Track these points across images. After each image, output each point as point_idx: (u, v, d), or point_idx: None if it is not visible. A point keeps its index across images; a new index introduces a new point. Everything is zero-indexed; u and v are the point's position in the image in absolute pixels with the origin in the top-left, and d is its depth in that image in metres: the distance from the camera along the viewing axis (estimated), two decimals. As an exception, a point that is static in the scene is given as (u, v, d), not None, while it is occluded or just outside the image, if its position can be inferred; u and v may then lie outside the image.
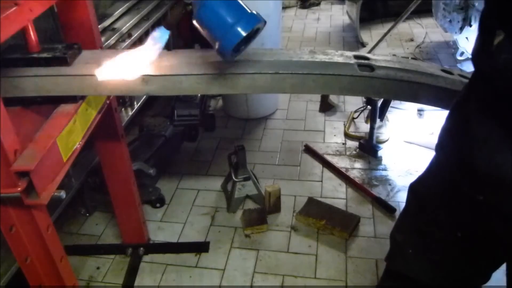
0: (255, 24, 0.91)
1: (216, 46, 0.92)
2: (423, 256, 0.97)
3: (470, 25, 2.75)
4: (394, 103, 2.63)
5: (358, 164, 2.35)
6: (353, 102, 2.81)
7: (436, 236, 0.94)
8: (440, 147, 0.90)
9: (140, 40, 2.19)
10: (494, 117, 0.74)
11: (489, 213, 0.81)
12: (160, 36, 1.01)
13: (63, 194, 1.01)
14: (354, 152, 2.44)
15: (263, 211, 2.02)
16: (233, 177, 2.03)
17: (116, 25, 2.01)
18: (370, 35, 3.91)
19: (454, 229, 0.90)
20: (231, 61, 1.01)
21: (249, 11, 0.91)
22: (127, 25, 2.04)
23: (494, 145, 0.74)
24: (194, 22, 0.92)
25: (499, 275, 0.95)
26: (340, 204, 2.06)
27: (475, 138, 0.77)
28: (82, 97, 1.16)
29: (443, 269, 0.95)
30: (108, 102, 1.37)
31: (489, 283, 0.98)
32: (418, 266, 0.97)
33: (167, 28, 1.00)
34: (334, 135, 2.58)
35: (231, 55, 0.94)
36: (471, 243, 0.89)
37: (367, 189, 2.12)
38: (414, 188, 1.00)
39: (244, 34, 0.89)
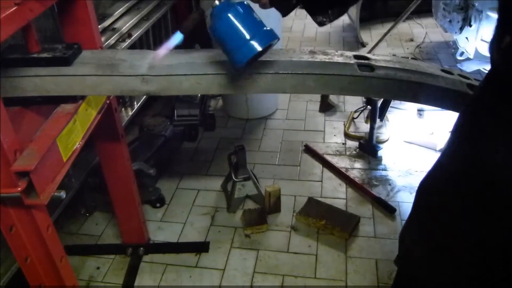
0: (270, 40, 0.94)
1: (229, 58, 0.94)
2: (430, 261, 0.92)
3: (470, 25, 2.75)
4: (394, 103, 2.63)
5: (358, 164, 2.35)
6: (353, 102, 2.81)
7: (444, 241, 0.89)
8: (452, 145, 0.87)
9: (140, 40, 2.19)
10: (506, 116, 0.73)
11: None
12: (174, 39, 1.03)
13: (63, 194, 1.01)
14: (354, 152, 2.44)
15: (263, 211, 2.02)
16: (233, 177, 2.03)
17: (116, 25, 2.01)
18: (370, 35, 3.91)
19: (464, 235, 0.84)
20: (242, 72, 1.03)
21: (264, 27, 0.95)
22: (127, 25, 2.04)
23: (504, 143, 0.73)
24: (210, 31, 0.94)
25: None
26: (340, 204, 2.07)
27: (487, 136, 0.76)
28: (82, 97, 1.16)
29: (453, 278, 0.89)
30: (108, 102, 1.37)
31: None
32: (426, 271, 0.92)
33: (183, 32, 1.02)
34: (334, 135, 2.58)
35: (243, 68, 0.96)
36: (485, 252, 0.82)
37: (367, 189, 2.12)
38: (421, 188, 0.96)
39: (259, 49, 0.92)
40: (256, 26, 0.93)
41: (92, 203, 2.07)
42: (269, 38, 0.94)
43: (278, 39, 0.97)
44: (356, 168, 2.31)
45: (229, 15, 0.92)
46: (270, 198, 2.00)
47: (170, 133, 2.34)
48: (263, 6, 1.00)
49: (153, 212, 2.09)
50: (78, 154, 1.13)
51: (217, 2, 0.94)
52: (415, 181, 2.18)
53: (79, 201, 2.03)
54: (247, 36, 0.92)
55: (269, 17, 2.69)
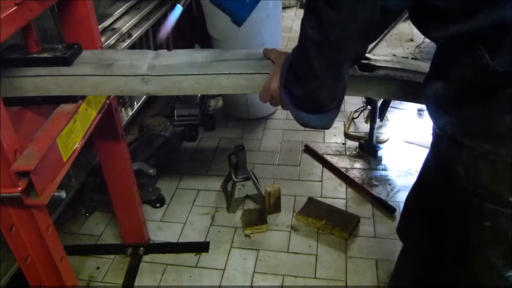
0: None
1: (234, 14, 0.97)
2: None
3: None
4: (394, 103, 2.63)
5: (358, 164, 2.35)
6: (353, 102, 2.80)
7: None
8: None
9: (140, 40, 2.20)
10: None
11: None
12: (175, 12, 1.04)
13: (63, 194, 1.01)
14: (354, 152, 2.44)
15: (263, 211, 2.02)
16: (233, 177, 2.03)
17: (116, 25, 2.02)
18: (370, 35, 3.91)
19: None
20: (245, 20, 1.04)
21: None
22: (127, 25, 2.04)
23: None
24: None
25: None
26: (340, 204, 2.07)
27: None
28: (82, 97, 1.16)
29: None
30: (108, 102, 1.37)
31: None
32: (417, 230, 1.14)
33: (182, 5, 1.03)
34: (334, 135, 2.58)
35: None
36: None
37: (367, 189, 2.12)
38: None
39: None
40: None
41: (92, 203, 2.07)
42: None
43: None
44: (356, 168, 2.31)
45: None
46: (270, 198, 2.00)
47: (170, 133, 2.34)
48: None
49: (153, 212, 2.09)
50: (78, 154, 1.13)
51: None
52: (415, 181, 2.18)
53: (79, 201, 2.03)
54: None
55: (269, 17, 2.68)
